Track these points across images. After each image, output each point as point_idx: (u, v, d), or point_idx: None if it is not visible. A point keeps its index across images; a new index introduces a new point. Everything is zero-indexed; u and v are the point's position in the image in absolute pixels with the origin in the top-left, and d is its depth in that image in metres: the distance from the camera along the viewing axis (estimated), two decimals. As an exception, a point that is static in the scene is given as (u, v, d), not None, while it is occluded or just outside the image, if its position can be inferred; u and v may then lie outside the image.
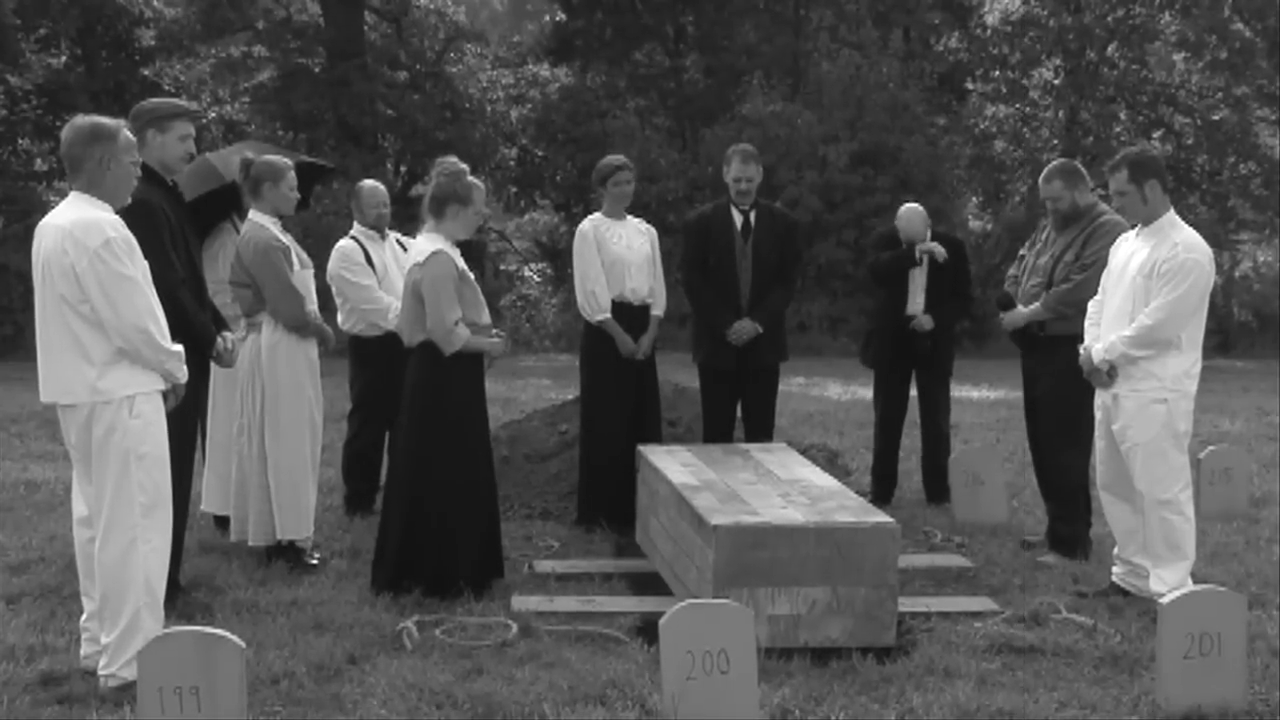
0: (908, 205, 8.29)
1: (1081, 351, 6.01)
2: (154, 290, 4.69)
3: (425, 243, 5.95)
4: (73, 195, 4.69)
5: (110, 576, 4.62)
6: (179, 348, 4.76)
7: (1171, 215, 5.80)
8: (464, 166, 6.08)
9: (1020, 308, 6.71)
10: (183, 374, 4.79)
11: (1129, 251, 5.86)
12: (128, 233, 4.63)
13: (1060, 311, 6.51)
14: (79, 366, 4.59)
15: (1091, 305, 6.10)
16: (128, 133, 4.75)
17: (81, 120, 4.69)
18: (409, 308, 5.95)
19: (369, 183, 7.71)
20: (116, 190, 4.70)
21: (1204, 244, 5.77)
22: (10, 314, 18.24)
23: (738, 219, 7.39)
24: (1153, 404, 5.70)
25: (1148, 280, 5.67)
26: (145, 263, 4.68)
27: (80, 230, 4.52)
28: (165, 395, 4.77)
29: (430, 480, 5.83)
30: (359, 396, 7.58)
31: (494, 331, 6.10)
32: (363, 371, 7.51)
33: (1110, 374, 5.81)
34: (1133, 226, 5.97)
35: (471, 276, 5.99)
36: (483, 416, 6.08)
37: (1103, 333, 5.89)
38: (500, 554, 6.14)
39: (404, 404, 5.97)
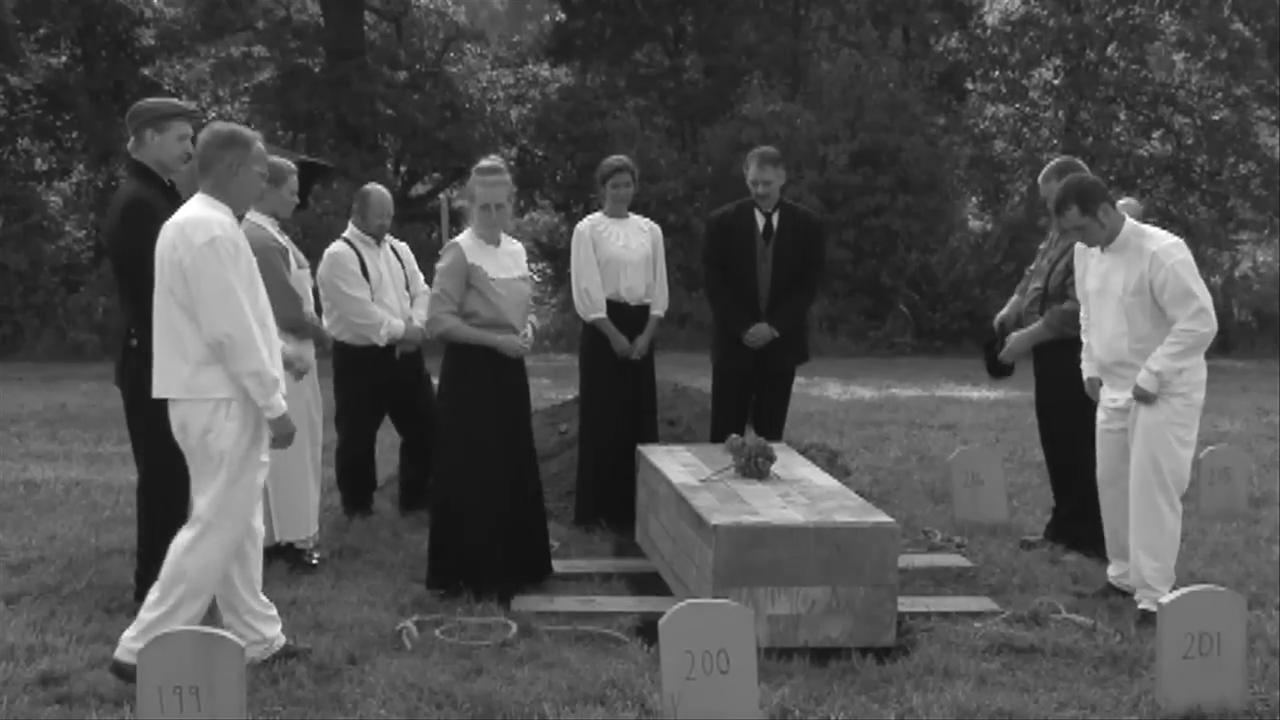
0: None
1: (1086, 384, 6.02)
2: (257, 301, 4.68)
3: None
4: (198, 195, 4.80)
5: (173, 561, 4.67)
6: (275, 374, 4.68)
7: (1130, 224, 5.76)
8: None
9: (1016, 333, 6.77)
10: (263, 399, 4.65)
11: (1103, 271, 5.81)
12: (239, 236, 4.70)
13: (1063, 331, 6.53)
14: (176, 362, 4.65)
15: (1082, 315, 6.10)
16: (260, 145, 4.88)
17: (220, 125, 4.87)
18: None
19: (377, 189, 7.46)
20: (240, 196, 4.82)
21: (1171, 236, 5.74)
22: (10, 314, 18.14)
23: (760, 220, 7.30)
24: (1158, 402, 5.68)
25: (1139, 297, 5.63)
26: (253, 269, 4.72)
27: (190, 226, 4.62)
28: (273, 426, 4.72)
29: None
30: (344, 403, 7.40)
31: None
32: (345, 378, 7.33)
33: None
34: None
35: None
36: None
37: (1098, 354, 5.87)
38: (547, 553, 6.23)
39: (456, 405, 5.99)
